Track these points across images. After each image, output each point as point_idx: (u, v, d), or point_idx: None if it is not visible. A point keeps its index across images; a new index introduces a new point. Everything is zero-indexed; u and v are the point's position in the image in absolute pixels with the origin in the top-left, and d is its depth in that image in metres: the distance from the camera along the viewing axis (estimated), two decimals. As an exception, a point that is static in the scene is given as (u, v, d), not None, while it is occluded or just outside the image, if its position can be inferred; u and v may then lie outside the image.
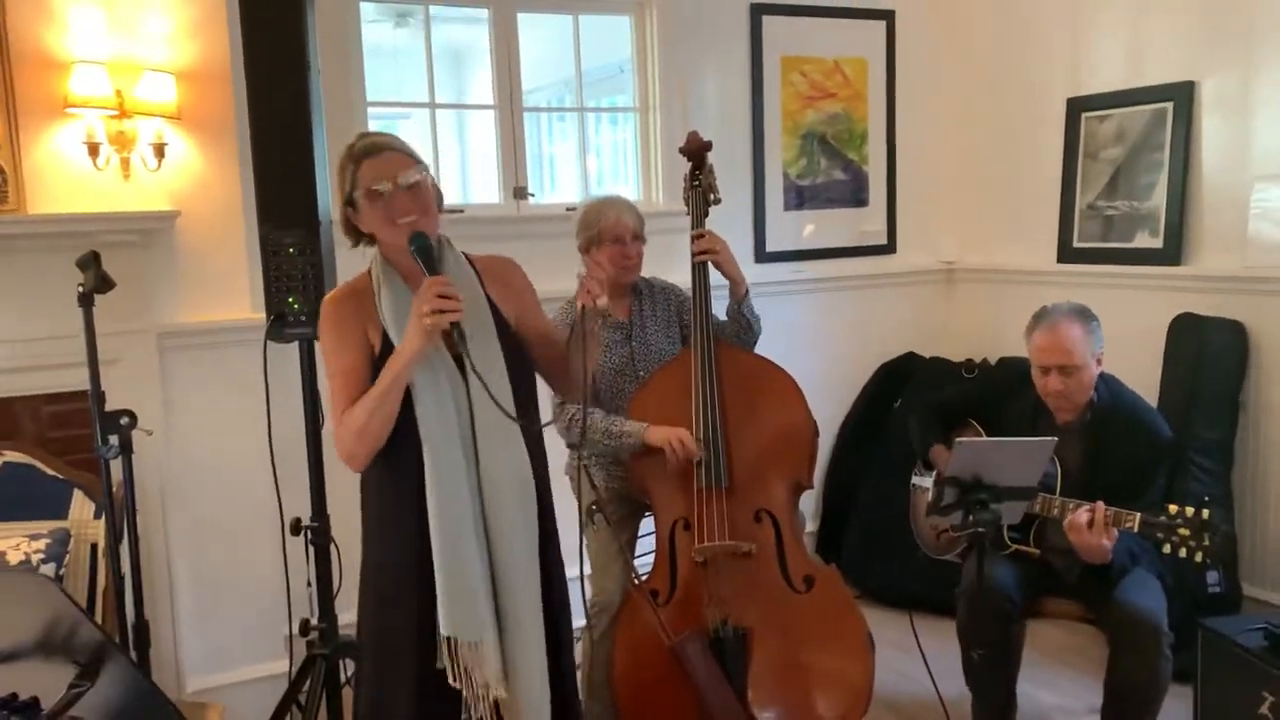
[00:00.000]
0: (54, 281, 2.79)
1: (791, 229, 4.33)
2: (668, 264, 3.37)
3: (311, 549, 2.62)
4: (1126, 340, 3.43)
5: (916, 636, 2.72)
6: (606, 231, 2.85)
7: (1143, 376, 3.29)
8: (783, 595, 2.67)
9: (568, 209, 3.67)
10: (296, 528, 2.58)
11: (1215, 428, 3.45)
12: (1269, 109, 3.40)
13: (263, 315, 2.54)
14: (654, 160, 4.04)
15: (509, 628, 2.05)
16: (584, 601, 2.72)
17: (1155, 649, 2.53)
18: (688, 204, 3.00)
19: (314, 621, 2.64)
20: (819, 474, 4.21)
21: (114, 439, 2.43)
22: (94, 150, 2.94)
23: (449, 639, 2.00)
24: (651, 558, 2.79)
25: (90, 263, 2.36)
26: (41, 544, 2.65)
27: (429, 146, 3.65)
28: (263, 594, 3.18)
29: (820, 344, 4.32)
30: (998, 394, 2.97)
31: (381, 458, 2.06)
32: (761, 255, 4.25)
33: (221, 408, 3.20)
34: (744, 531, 2.70)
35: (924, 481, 3.00)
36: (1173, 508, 2.45)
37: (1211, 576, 3.27)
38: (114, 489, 2.53)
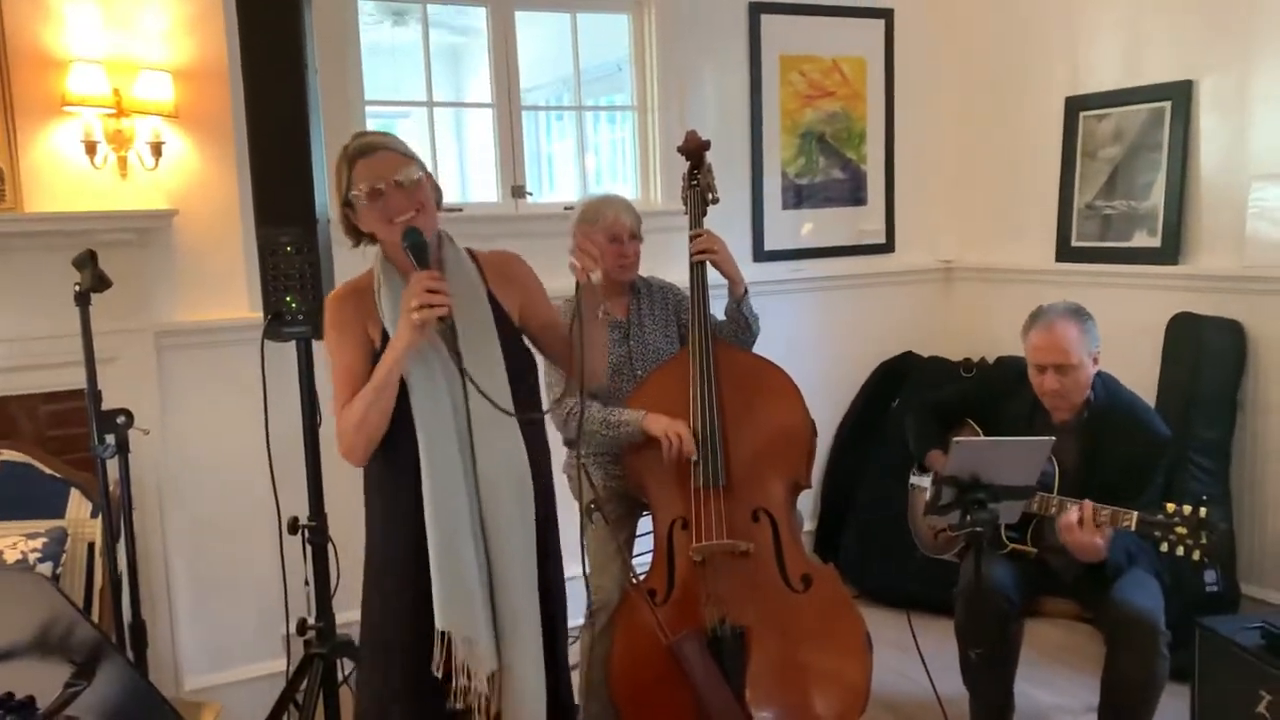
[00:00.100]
0: (51, 280, 2.79)
1: (790, 228, 4.33)
2: (666, 263, 3.37)
3: (309, 548, 2.62)
4: (1124, 339, 3.43)
5: (914, 636, 2.72)
6: (604, 231, 2.85)
7: (1141, 376, 3.29)
8: (781, 594, 2.67)
9: (566, 208, 3.66)
10: (294, 527, 2.58)
11: (1213, 427, 3.45)
12: (1267, 108, 3.40)
13: (260, 314, 2.54)
14: (652, 159, 4.04)
15: (505, 623, 2.06)
16: (590, 598, 2.73)
17: (1152, 648, 2.53)
18: (686, 203, 2.99)
19: (311, 621, 2.64)
20: (817, 473, 4.22)
21: (110, 438, 2.42)
22: (91, 149, 2.94)
23: (444, 634, 2.01)
24: (649, 557, 2.79)
25: (87, 261, 2.36)
26: (38, 543, 2.65)
27: (427, 145, 3.65)
28: (260, 593, 3.18)
29: (818, 343, 4.32)
30: (995, 393, 2.97)
31: (381, 454, 2.08)
32: (760, 254, 4.25)
33: (219, 407, 3.19)
34: (742, 530, 2.70)
35: (922, 481, 3.00)
36: (1170, 506, 2.45)
37: (1209, 576, 3.27)
38: (111, 488, 2.52)
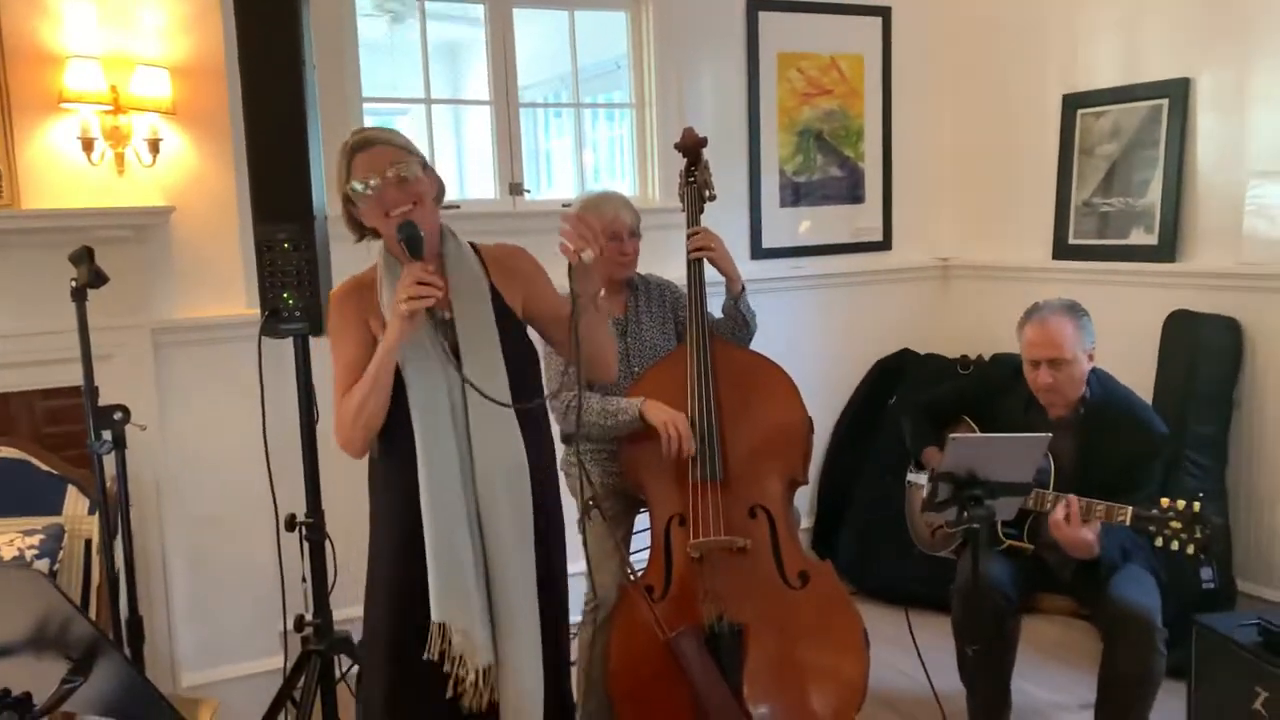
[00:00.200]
0: (48, 277, 2.79)
1: (787, 225, 4.33)
2: (663, 260, 3.37)
3: (306, 545, 2.62)
4: (1121, 337, 3.44)
5: (912, 632, 2.73)
6: (605, 228, 2.85)
7: (1138, 373, 3.29)
8: (778, 591, 2.68)
9: (564, 205, 3.66)
10: (291, 523, 2.57)
11: (1209, 424, 3.46)
12: (1264, 106, 3.40)
13: (257, 311, 2.54)
14: (650, 156, 4.04)
15: (501, 616, 2.06)
16: (594, 594, 2.74)
17: (1149, 644, 2.53)
18: (683, 200, 3.00)
19: (309, 617, 2.64)
20: (814, 470, 4.22)
21: (107, 434, 2.42)
22: (88, 145, 2.94)
23: (441, 626, 2.02)
24: (647, 553, 2.79)
25: (84, 257, 2.35)
26: (35, 540, 2.65)
27: (425, 142, 3.65)
28: (257, 590, 3.18)
29: (816, 340, 4.32)
30: (990, 390, 2.98)
31: (380, 446, 2.10)
32: (757, 251, 4.25)
33: (216, 404, 3.19)
34: (739, 527, 2.70)
35: (919, 478, 3.00)
36: (1165, 501, 2.45)
37: (1206, 573, 3.28)
38: (108, 484, 2.52)
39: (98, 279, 2.36)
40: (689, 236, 2.92)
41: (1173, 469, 3.25)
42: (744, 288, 2.96)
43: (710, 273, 2.92)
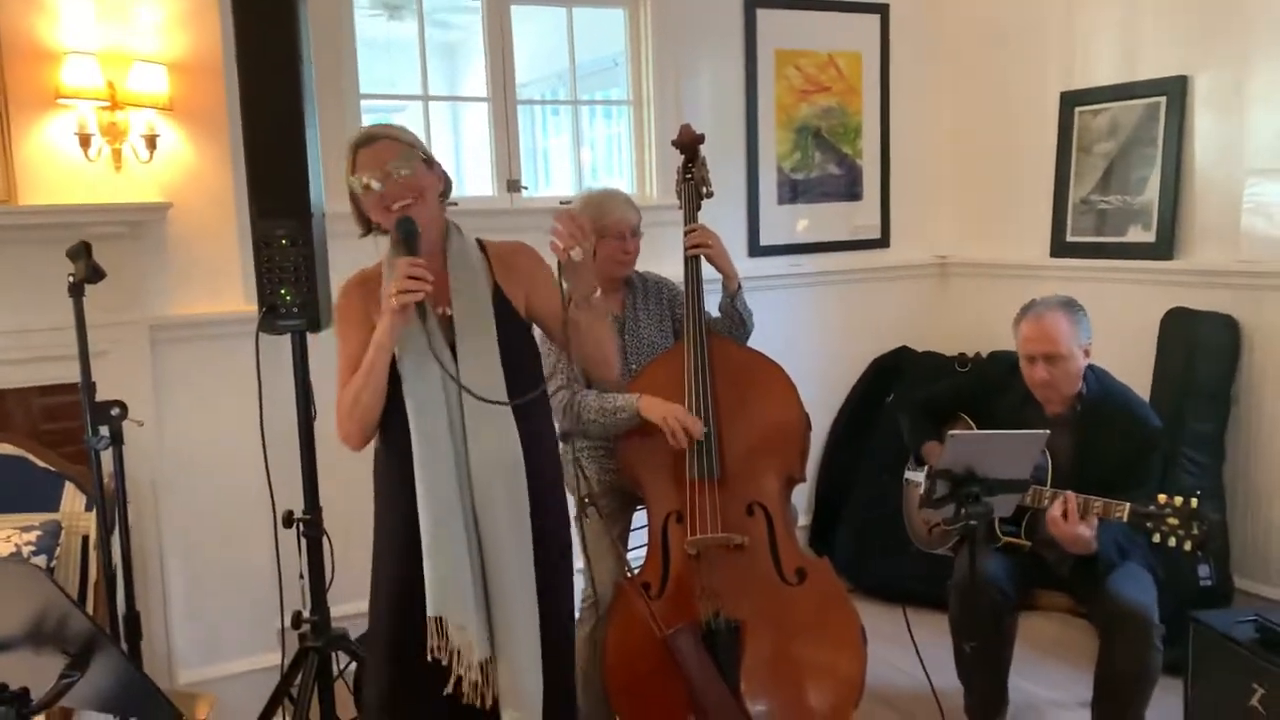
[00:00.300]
0: (45, 273, 2.78)
1: (785, 223, 4.33)
2: (661, 258, 3.37)
3: (304, 541, 2.62)
4: (1119, 334, 3.44)
5: (909, 629, 2.73)
6: (611, 228, 2.85)
7: (1135, 370, 3.29)
8: (775, 588, 2.68)
9: (561, 202, 3.66)
10: (289, 520, 2.57)
11: (1207, 421, 3.46)
12: (1262, 104, 3.40)
13: (255, 307, 2.53)
14: (648, 153, 4.04)
15: (498, 611, 2.06)
16: (591, 591, 2.74)
17: (1146, 641, 2.54)
18: (680, 197, 2.99)
19: (306, 614, 2.64)
20: (812, 467, 4.22)
21: (104, 430, 2.42)
22: (85, 141, 2.94)
23: (437, 619, 2.03)
24: (644, 551, 2.79)
25: (81, 253, 2.35)
26: (32, 536, 2.65)
27: (423, 139, 3.64)
28: (255, 587, 3.18)
29: (813, 338, 4.32)
30: (988, 388, 2.98)
31: (382, 441, 2.13)
32: (755, 249, 4.25)
33: (213, 400, 3.19)
34: (736, 524, 2.70)
35: (916, 476, 3.00)
36: (1162, 497, 2.46)
37: (1203, 570, 3.28)
38: (105, 480, 2.52)
39: (95, 274, 2.36)
40: (686, 234, 2.92)
41: (1169, 465, 3.26)
42: (740, 286, 2.96)
43: (708, 270, 2.91)
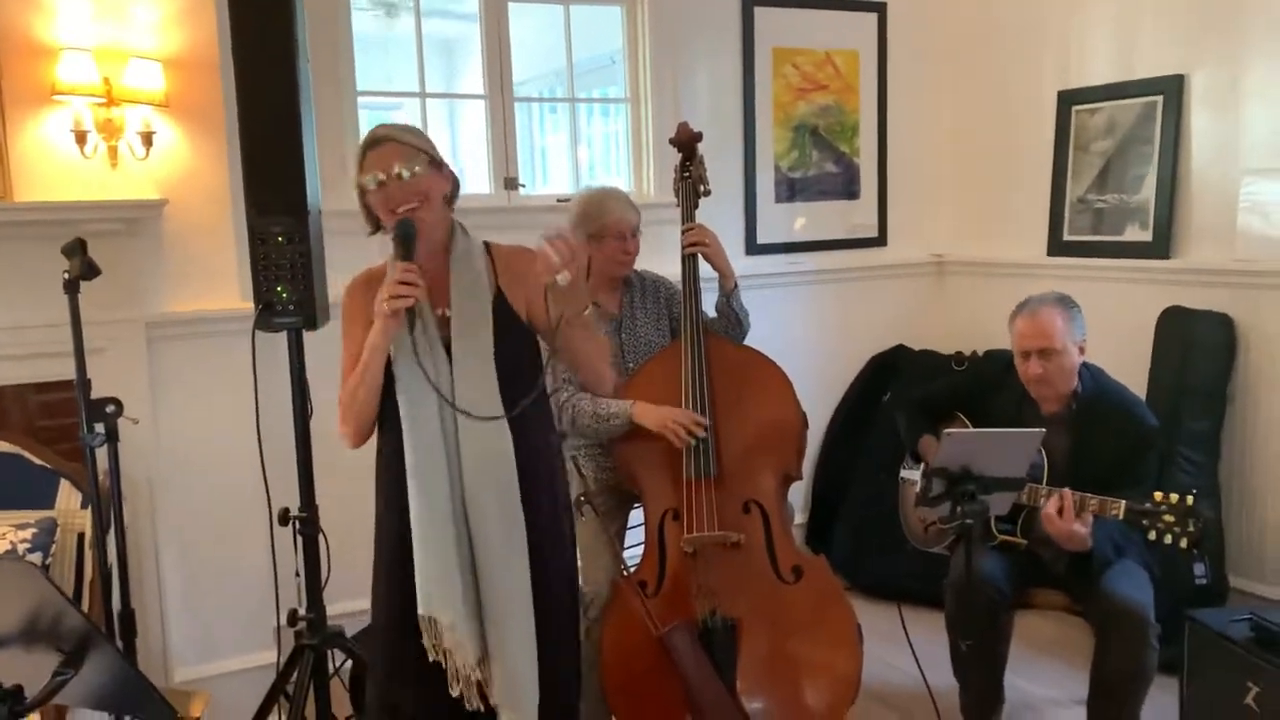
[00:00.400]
0: (41, 270, 2.77)
1: (782, 221, 4.33)
2: (658, 255, 3.37)
3: (300, 539, 2.61)
4: (1115, 333, 3.44)
5: (905, 627, 2.73)
6: (611, 228, 2.85)
7: (1131, 369, 3.29)
8: (771, 586, 2.68)
9: (559, 200, 3.67)
10: (285, 518, 2.57)
11: (1203, 420, 3.46)
12: (1258, 102, 3.40)
13: (251, 304, 2.53)
14: (645, 151, 4.04)
15: (491, 612, 2.07)
16: (587, 589, 2.73)
17: (1141, 640, 2.54)
18: (678, 195, 2.99)
19: (302, 612, 2.63)
20: (808, 466, 4.22)
21: (100, 427, 2.42)
22: (81, 138, 2.93)
23: (429, 619, 2.03)
24: (640, 549, 2.79)
25: (76, 250, 2.34)
26: (28, 533, 2.64)
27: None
28: (251, 584, 3.17)
29: (810, 336, 4.32)
30: (984, 386, 2.98)
31: (382, 441, 2.14)
32: (752, 247, 4.25)
33: (209, 398, 3.19)
34: (733, 522, 2.70)
35: (912, 474, 3.00)
36: (1158, 495, 2.46)
37: (1198, 568, 3.29)
38: (100, 478, 2.51)
39: (90, 271, 2.35)
40: (684, 232, 2.92)
41: (1165, 464, 3.26)
42: (737, 285, 2.95)
43: (705, 269, 2.91)
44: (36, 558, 2.62)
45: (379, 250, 2.19)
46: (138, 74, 2.97)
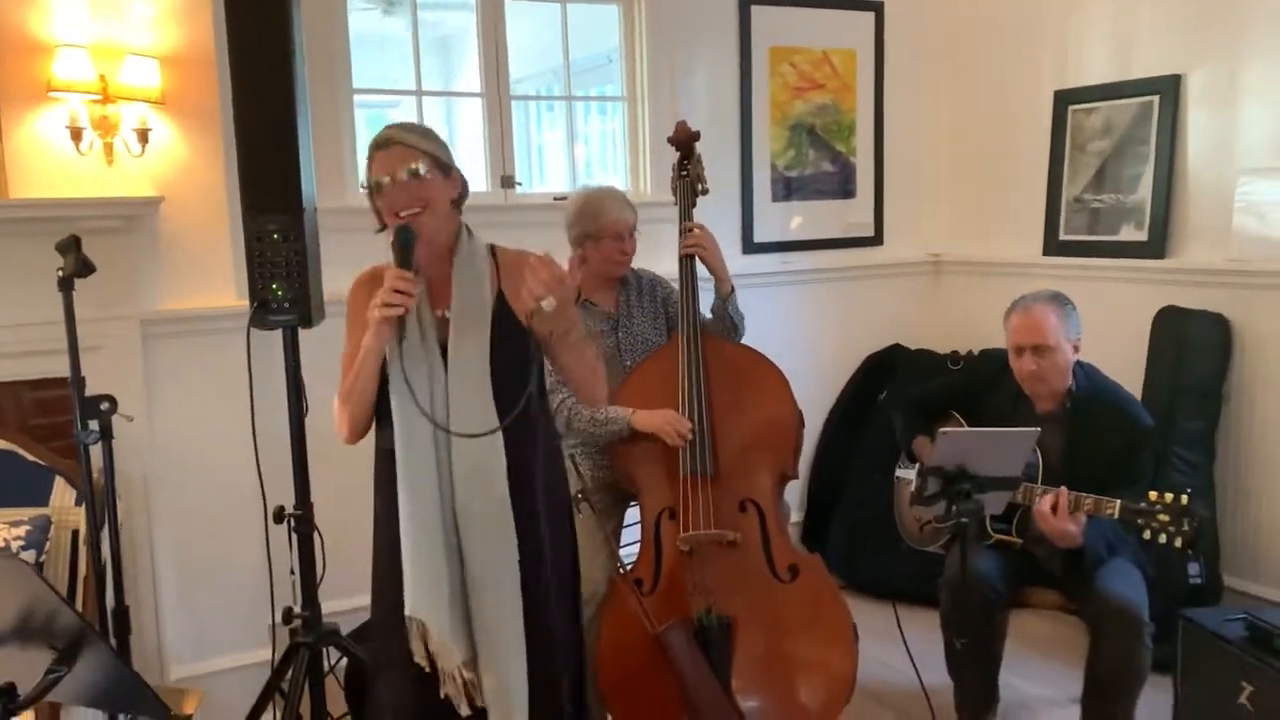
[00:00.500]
0: (36, 267, 2.76)
1: (779, 220, 4.33)
2: (655, 254, 3.37)
3: (295, 537, 2.61)
4: (1111, 333, 3.45)
5: (900, 626, 2.73)
6: (608, 228, 2.85)
7: (1127, 369, 3.30)
8: (767, 584, 2.68)
9: (555, 198, 3.66)
10: (280, 516, 2.57)
11: (1198, 420, 3.47)
12: (1254, 103, 3.41)
13: (247, 302, 2.53)
14: (642, 150, 4.04)
15: (478, 611, 2.07)
16: (583, 587, 2.73)
17: (1136, 639, 2.54)
18: (675, 194, 2.99)
19: (297, 610, 2.63)
20: (804, 464, 4.22)
21: (94, 424, 2.41)
22: (77, 135, 2.92)
23: (416, 620, 2.04)
24: (637, 547, 2.79)
25: (71, 247, 2.34)
26: (22, 531, 2.64)
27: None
28: (246, 582, 3.17)
29: (807, 335, 4.32)
30: (979, 385, 2.98)
31: (380, 442, 2.14)
32: (749, 246, 4.25)
33: (205, 395, 3.18)
34: (729, 521, 2.70)
35: (907, 473, 3.01)
36: (1153, 494, 2.47)
37: (1193, 568, 3.29)
38: (95, 475, 2.51)
39: (85, 268, 2.35)
40: (684, 232, 2.92)
41: (1160, 463, 3.27)
42: (733, 289, 2.95)
43: (701, 270, 2.91)
44: (31, 555, 2.61)
45: (384, 247, 2.18)
46: (134, 71, 2.96)
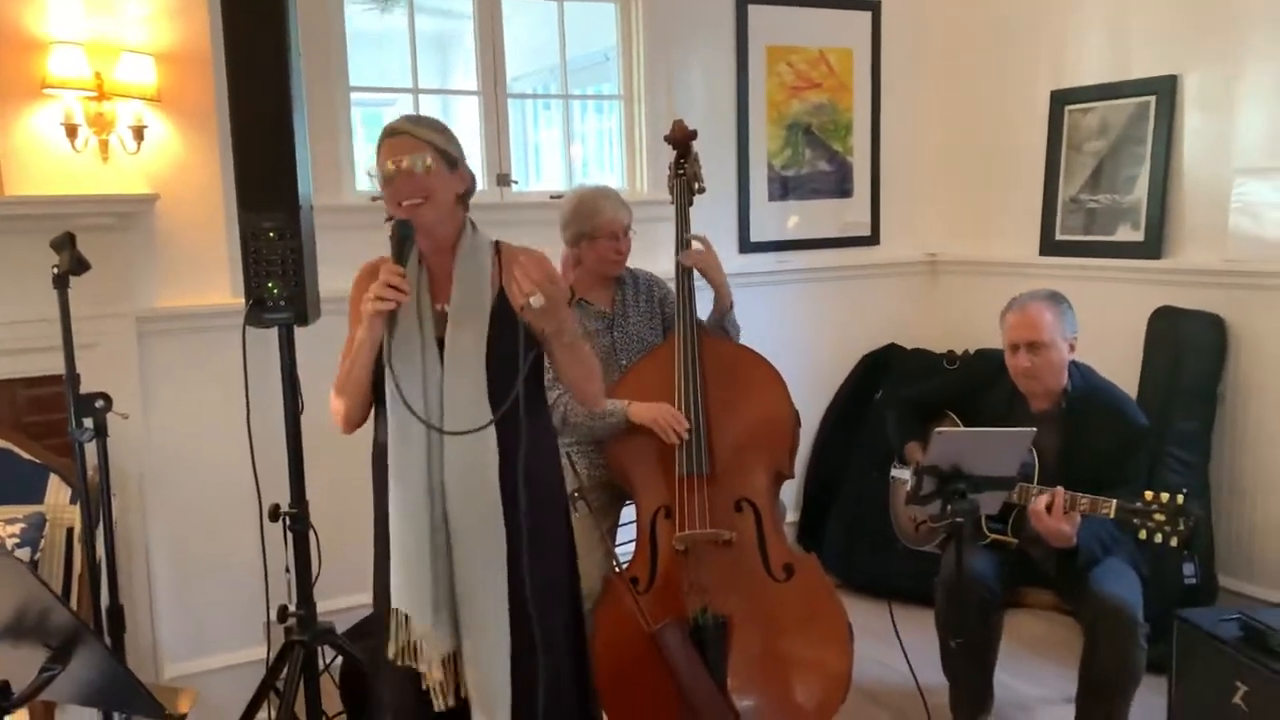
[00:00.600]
0: (31, 264, 2.75)
1: (776, 219, 4.33)
2: (651, 252, 3.37)
3: (290, 535, 2.61)
4: (1107, 333, 3.45)
5: (895, 626, 2.73)
6: (604, 227, 2.85)
7: (1123, 369, 3.30)
8: (763, 584, 2.68)
9: (552, 196, 3.66)
10: (275, 514, 2.56)
11: (1193, 420, 3.47)
12: (1250, 103, 3.41)
13: (242, 300, 2.52)
14: (639, 149, 4.03)
15: (464, 607, 2.07)
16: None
17: (1130, 639, 2.55)
18: (672, 192, 2.99)
19: (292, 608, 2.63)
20: (800, 464, 4.23)
21: (89, 421, 2.40)
22: (72, 132, 2.92)
23: (399, 613, 2.05)
24: (632, 546, 2.79)
25: (65, 244, 2.33)
26: (16, 528, 2.63)
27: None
28: (241, 580, 3.17)
29: (803, 334, 4.32)
30: (975, 385, 2.99)
31: (378, 435, 2.15)
32: (745, 245, 4.25)
33: (200, 393, 3.18)
34: (724, 520, 2.70)
35: (902, 474, 3.01)
36: (1148, 494, 2.47)
37: (1188, 568, 3.30)
38: (89, 473, 2.50)
39: (79, 265, 2.34)
40: (685, 242, 2.91)
41: (1155, 463, 3.27)
42: (732, 304, 2.96)
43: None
44: (25, 553, 2.61)
45: (379, 245, 2.17)
46: (129, 68, 2.95)
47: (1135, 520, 2.47)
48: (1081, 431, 2.74)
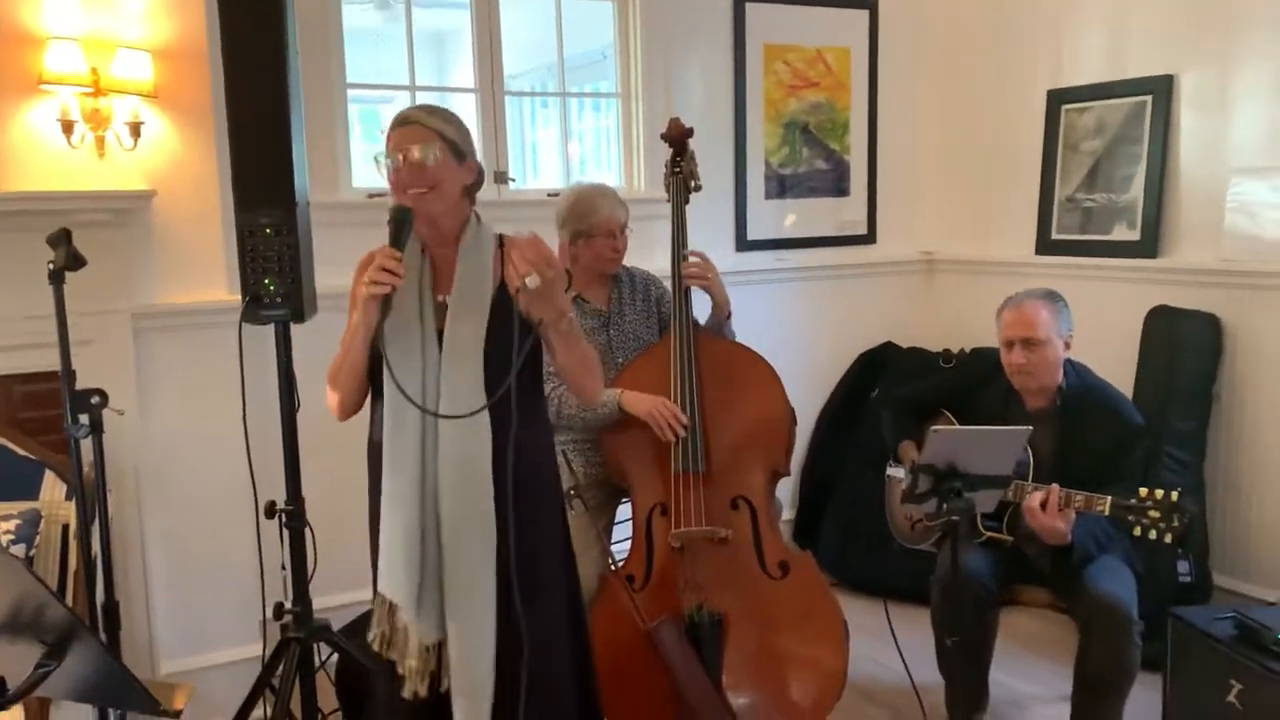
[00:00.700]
0: (27, 261, 2.75)
1: (772, 218, 4.33)
2: (648, 250, 3.37)
3: (286, 532, 2.60)
4: (1103, 332, 3.46)
5: (890, 624, 2.74)
6: (600, 226, 2.85)
7: (1119, 368, 3.31)
8: (758, 581, 2.68)
9: (549, 194, 3.66)
10: (271, 511, 2.56)
11: (1189, 419, 3.48)
12: (1247, 103, 3.42)
13: (239, 297, 2.52)
14: (636, 146, 4.03)
15: (451, 597, 2.07)
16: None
17: (1125, 637, 2.55)
18: (669, 190, 2.99)
19: (288, 605, 2.62)
20: (796, 462, 4.22)
21: (84, 418, 2.40)
22: (68, 128, 2.91)
23: (384, 600, 2.06)
24: (629, 544, 2.79)
25: (61, 240, 2.32)
26: (11, 525, 2.63)
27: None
28: (237, 577, 3.16)
29: (800, 333, 4.33)
30: (971, 384, 2.99)
31: (374, 425, 2.15)
32: (742, 244, 4.25)
33: (197, 390, 3.17)
34: (720, 517, 2.71)
35: (898, 472, 3.01)
36: (1143, 491, 2.48)
37: (1182, 566, 3.31)
38: (85, 470, 2.50)
39: (75, 261, 2.33)
40: (683, 258, 2.90)
41: (1151, 462, 3.28)
42: (730, 315, 2.96)
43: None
44: (20, 549, 2.60)
45: (378, 242, 2.17)
46: (126, 64, 2.95)
47: (1130, 517, 2.48)
48: (1077, 429, 2.74)
